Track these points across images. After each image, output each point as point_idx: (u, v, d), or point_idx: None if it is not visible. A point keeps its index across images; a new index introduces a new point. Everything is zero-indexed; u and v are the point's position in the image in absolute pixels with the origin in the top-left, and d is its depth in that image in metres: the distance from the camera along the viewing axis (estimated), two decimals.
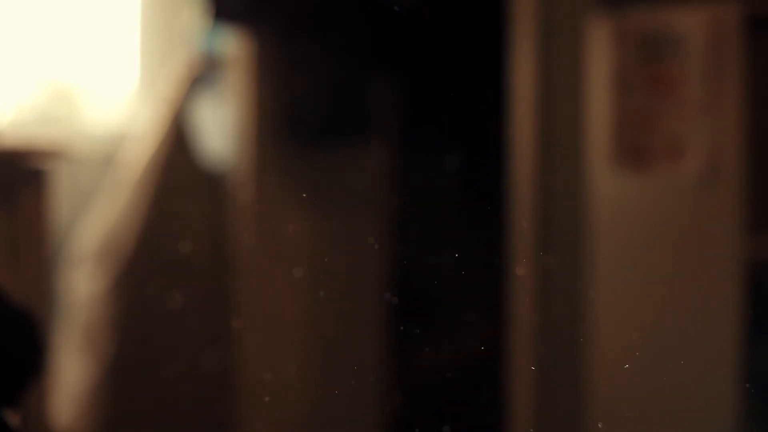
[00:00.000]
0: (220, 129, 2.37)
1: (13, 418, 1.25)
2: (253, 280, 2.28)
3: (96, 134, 2.58)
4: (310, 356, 2.27)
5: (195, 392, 2.29)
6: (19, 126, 2.48)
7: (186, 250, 2.29)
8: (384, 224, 2.32)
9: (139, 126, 2.50)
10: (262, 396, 2.26)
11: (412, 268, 2.28)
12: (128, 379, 2.24)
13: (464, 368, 2.12)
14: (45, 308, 1.74)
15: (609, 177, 1.90)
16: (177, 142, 2.31)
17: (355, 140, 2.32)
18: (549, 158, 1.97)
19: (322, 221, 2.29)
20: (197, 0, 2.32)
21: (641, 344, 1.86)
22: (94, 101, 2.60)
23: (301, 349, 2.27)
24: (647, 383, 1.84)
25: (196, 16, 2.36)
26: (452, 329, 2.07)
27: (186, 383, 2.28)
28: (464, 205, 2.17)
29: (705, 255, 1.80)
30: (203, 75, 2.36)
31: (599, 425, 1.90)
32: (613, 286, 1.90)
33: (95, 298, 2.26)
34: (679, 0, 1.82)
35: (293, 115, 2.28)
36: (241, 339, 2.28)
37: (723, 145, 1.76)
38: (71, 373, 2.25)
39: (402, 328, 2.26)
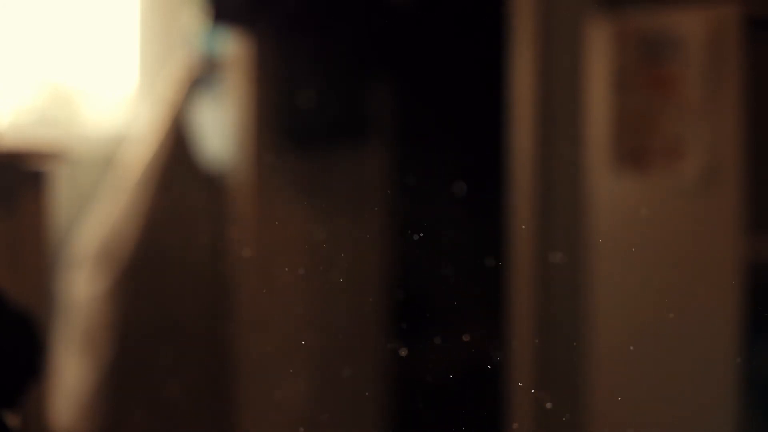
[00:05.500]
0: (220, 130, 2.37)
1: (12, 420, 1.25)
2: (253, 280, 2.28)
3: (96, 136, 2.58)
4: (310, 356, 2.27)
5: (195, 394, 2.29)
6: (18, 128, 2.48)
7: (186, 251, 2.29)
8: (384, 224, 2.33)
9: (138, 128, 2.50)
10: (262, 396, 2.25)
11: (413, 268, 2.28)
12: (128, 381, 2.24)
13: (464, 368, 2.11)
14: (45, 310, 1.74)
15: (609, 178, 1.90)
16: (177, 144, 2.31)
17: (355, 141, 2.32)
18: (549, 159, 1.97)
19: (322, 221, 2.29)
20: (197, 1, 2.32)
21: (641, 345, 1.86)
22: (93, 103, 2.60)
23: (301, 350, 2.27)
24: (647, 384, 1.84)
25: (195, 18, 2.36)
26: (452, 329, 2.07)
27: (186, 385, 2.28)
28: (464, 205, 2.17)
29: (705, 256, 1.80)
30: (203, 76, 2.36)
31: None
32: (613, 287, 1.90)
33: (95, 299, 2.26)
34: (679, 1, 1.82)
35: (293, 116, 2.28)
36: (241, 339, 2.28)
37: (723, 146, 1.76)
38: (71, 374, 2.25)
39: (402, 327, 2.26)
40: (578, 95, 1.95)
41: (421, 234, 2.11)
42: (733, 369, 1.73)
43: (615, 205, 1.90)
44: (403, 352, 2.25)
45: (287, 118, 2.28)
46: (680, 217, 1.83)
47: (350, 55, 2.27)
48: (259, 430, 2.26)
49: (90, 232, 2.32)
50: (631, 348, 1.87)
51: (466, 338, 2.06)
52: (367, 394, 2.29)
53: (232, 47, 2.32)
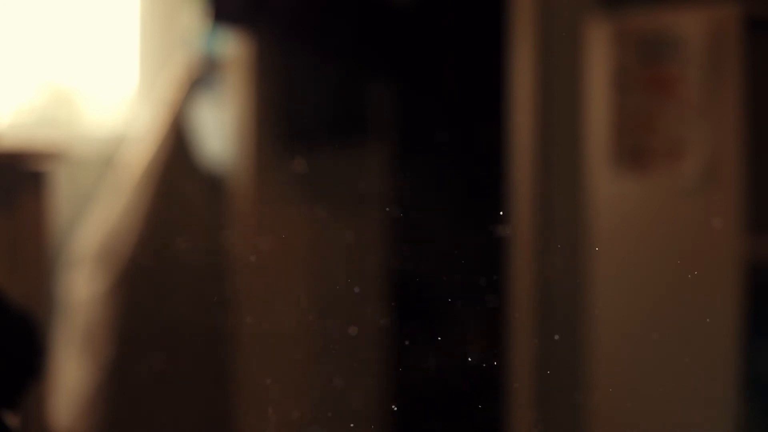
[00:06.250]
0: (220, 131, 2.37)
1: (12, 420, 1.25)
2: (252, 280, 2.28)
3: (96, 136, 2.58)
4: (310, 356, 2.27)
5: (194, 394, 2.29)
6: (18, 128, 2.48)
7: (185, 251, 2.29)
8: (384, 225, 2.33)
9: (138, 128, 2.50)
10: (261, 396, 2.25)
11: (412, 269, 2.28)
12: (127, 381, 2.24)
13: (464, 370, 2.11)
14: (44, 310, 1.74)
15: (608, 178, 1.90)
16: (177, 144, 2.31)
17: (355, 141, 2.32)
18: (549, 159, 1.97)
19: (322, 222, 2.29)
20: (197, 2, 2.32)
21: (641, 345, 1.86)
22: (93, 103, 2.60)
23: (301, 350, 2.27)
24: (647, 384, 1.84)
25: (195, 18, 2.36)
26: (452, 330, 2.07)
27: (185, 385, 2.28)
28: (464, 205, 2.17)
29: (704, 256, 1.80)
30: (203, 77, 2.36)
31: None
32: (613, 287, 1.90)
33: (95, 300, 2.26)
34: (679, 1, 1.82)
35: (293, 116, 2.28)
36: (240, 339, 2.28)
37: (722, 147, 1.76)
38: (70, 375, 2.25)
39: (402, 328, 2.26)
40: (578, 95, 1.95)
41: (421, 234, 2.11)
42: (733, 369, 1.73)
43: (615, 205, 1.90)
44: (403, 353, 2.25)
45: (287, 119, 2.28)
46: (680, 217, 1.83)
47: (350, 55, 2.27)
48: (258, 429, 2.26)
49: (90, 232, 2.32)
50: (631, 349, 1.87)
51: (465, 339, 2.06)
52: (366, 396, 2.28)
53: (232, 47, 2.32)
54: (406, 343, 2.26)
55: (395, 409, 2.24)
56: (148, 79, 2.63)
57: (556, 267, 1.97)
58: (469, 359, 2.10)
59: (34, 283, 1.68)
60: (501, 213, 2.02)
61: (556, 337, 1.96)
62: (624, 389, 1.88)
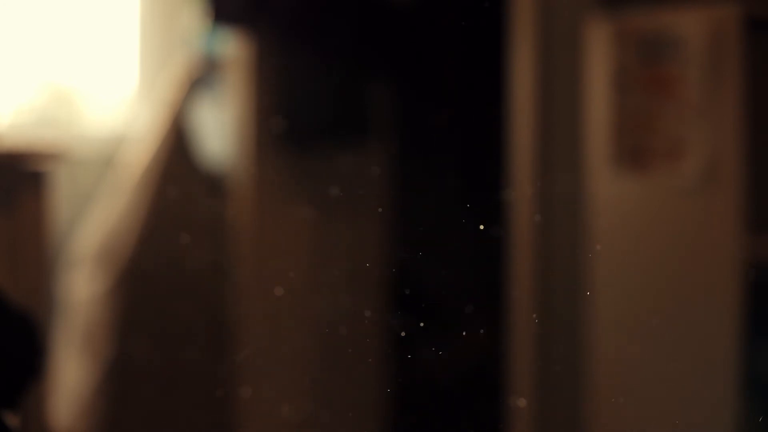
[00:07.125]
0: (220, 131, 2.37)
1: (12, 420, 1.25)
2: (252, 281, 2.28)
3: (95, 136, 2.58)
4: (309, 357, 2.27)
5: (194, 394, 2.29)
6: (18, 128, 2.48)
7: (185, 251, 2.29)
8: (384, 225, 2.33)
9: (138, 128, 2.50)
10: (261, 396, 2.26)
11: (412, 269, 2.28)
12: (127, 381, 2.24)
13: (464, 370, 2.11)
14: (45, 310, 1.74)
15: (608, 178, 1.90)
16: (176, 144, 2.31)
17: (355, 142, 2.32)
18: (548, 159, 1.97)
19: (321, 222, 2.29)
20: (197, 2, 2.32)
21: (641, 346, 1.86)
22: (93, 103, 2.60)
23: (300, 351, 2.27)
24: (647, 385, 1.84)
25: (195, 18, 2.36)
26: (452, 330, 2.07)
27: (185, 385, 2.28)
28: (464, 206, 2.17)
29: (704, 256, 1.80)
30: (203, 77, 2.36)
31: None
32: (613, 287, 1.90)
33: (95, 300, 2.26)
34: (679, 1, 1.82)
35: (293, 116, 2.28)
36: (240, 339, 2.28)
37: (722, 147, 1.76)
38: (71, 375, 2.25)
39: (402, 329, 2.26)
40: (578, 95, 1.95)
41: (421, 235, 2.11)
42: (733, 369, 1.73)
43: (615, 205, 1.90)
44: (403, 353, 2.25)
45: (287, 118, 2.28)
46: (680, 217, 1.83)
47: (350, 54, 2.27)
48: (258, 429, 2.26)
49: (90, 233, 2.32)
50: (631, 349, 1.87)
51: (465, 340, 2.06)
52: (365, 394, 2.28)
53: (232, 47, 2.32)
54: (406, 342, 2.26)
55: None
56: (148, 79, 2.63)
57: (556, 267, 1.97)
58: (469, 359, 2.10)
59: (34, 283, 1.68)
60: (501, 213, 2.02)
61: (556, 338, 1.96)
62: (624, 389, 1.88)
